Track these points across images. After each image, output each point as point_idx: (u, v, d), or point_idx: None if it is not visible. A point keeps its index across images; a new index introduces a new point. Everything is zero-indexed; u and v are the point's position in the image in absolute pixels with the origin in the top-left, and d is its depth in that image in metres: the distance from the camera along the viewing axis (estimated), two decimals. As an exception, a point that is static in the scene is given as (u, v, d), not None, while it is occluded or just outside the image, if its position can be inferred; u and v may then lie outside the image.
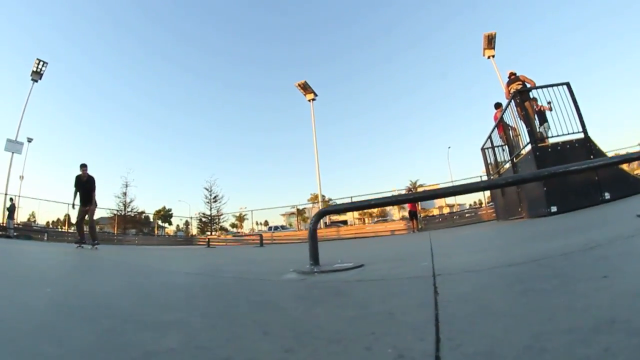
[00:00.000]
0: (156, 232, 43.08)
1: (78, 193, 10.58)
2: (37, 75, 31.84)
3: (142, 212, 45.53)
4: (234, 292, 2.62)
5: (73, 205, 10.70)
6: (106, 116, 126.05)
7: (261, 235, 17.76)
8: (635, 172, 10.21)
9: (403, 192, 32.33)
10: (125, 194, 41.67)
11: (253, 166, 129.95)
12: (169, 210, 68.06)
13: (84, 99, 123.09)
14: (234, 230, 57.88)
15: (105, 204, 43.70)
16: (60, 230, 34.48)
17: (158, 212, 64.85)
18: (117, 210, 40.04)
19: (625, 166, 10.22)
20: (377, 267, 3.22)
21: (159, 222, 62.91)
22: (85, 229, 11.22)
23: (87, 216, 10.85)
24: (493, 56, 31.34)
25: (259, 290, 2.58)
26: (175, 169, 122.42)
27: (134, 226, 43.82)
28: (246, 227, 53.89)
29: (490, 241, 5.31)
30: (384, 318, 1.44)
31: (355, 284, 2.41)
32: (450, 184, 27.40)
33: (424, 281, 2.10)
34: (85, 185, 10.67)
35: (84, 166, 10.65)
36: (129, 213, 41.78)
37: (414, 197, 4.25)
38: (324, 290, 2.33)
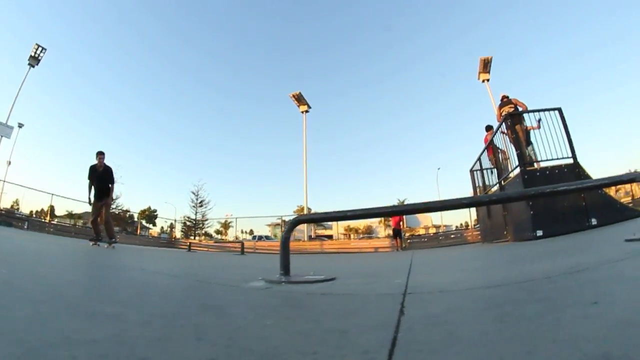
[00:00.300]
0: (138, 231, 42.18)
1: (92, 186, 9.42)
2: (34, 60, 31.43)
3: (127, 211, 44.86)
4: (192, 294, 2.58)
5: (89, 200, 9.47)
6: (99, 110, 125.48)
7: (242, 243, 17.57)
8: (622, 200, 10.20)
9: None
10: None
11: (242, 174, 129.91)
12: (154, 211, 67.33)
13: (79, 91, 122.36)
14: (218, 236, 57.35)
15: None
16: (42, 220, 33.56)
17: (143, 211, 64.09)
18: None
19: (612, 193, 10.21)
20: (349, 281, 3.16)
21: (143, 222, 62.14)
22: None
23: (103, 211, 9.60)
24: (488, 80, 31.79)
25: (218, 295, 2.55)
26: (163, 170, 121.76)
27: (118, 224, 43.15)
28: (231, 234, 53.29)
29: (472, 262, 5.21)
30: (335, 337, 1.29)
31: (319, 297, 2.29)
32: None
33: (392, 299, 1.96)
34: (102, 177, 9.45)
35: (100, 154, 9.38)
36: (113, 210, 41.07)
37: (391, 211, 4.06)
38: (284, 301, 2.24)
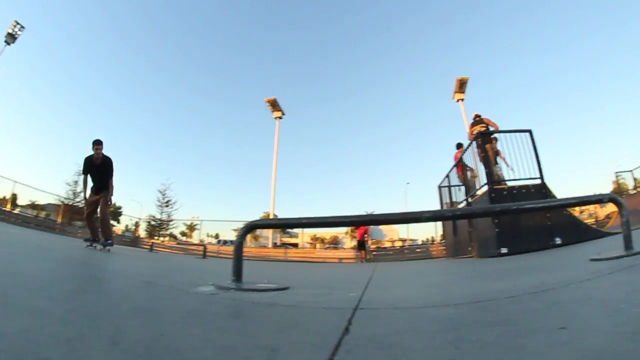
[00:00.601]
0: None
1: (89, 181, 8.17)
2: (11, 38, 30.35)
3: None
4: (131, 295, 2.48)
5: (85, 197, 8.28)
6: (68, 99, 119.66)
7: (205, 247, 17.19)
8: (586, 221, 10.42)
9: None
10: (76, 182, 39.30)
11: (211, 177, 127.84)
12: (119, 207, 65.47)
13: (51, 77, 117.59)
14: (183, 238, 56.19)
15: (55, 190, 40.98)
16: (3, 209, 31.95)
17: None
18: (66, 199, 37.91)
19: (576, 214, 10.38)
20: (301, 292, 3.03)
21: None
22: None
23: (98, 207, 8.15)
24: (462, 99, 32.43)
25: (157, 298, 2.45)
26: (131, 166, 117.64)
27: (81, 218, 41.73)
28: (196, 237, 52.33)
29: (433, 277, 5.10)
30: (262, 355, 1.16)
31: (263, 308, 2.15)
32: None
33: (340, 314, 1.83)
34: (100, 170, 8.10)
35: (97, 143, 8.01)
36: (77, 203, 39.65)
37: (349, 220, 3.94)
38: (224, 309, 2.12)
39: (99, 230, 8.20)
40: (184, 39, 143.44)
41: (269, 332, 1.52)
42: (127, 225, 60.34)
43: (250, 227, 3.54)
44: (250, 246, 35.04)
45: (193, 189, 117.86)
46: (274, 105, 38.17)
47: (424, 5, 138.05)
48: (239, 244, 3.30)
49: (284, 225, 4.02)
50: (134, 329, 1.42)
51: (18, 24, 29.92)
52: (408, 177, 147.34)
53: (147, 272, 4.59)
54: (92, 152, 7.98)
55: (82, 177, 8.25)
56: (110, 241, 8.10)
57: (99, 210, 8.07)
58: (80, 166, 9.36)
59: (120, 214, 62.91)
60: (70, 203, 38.13)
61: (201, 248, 19.20)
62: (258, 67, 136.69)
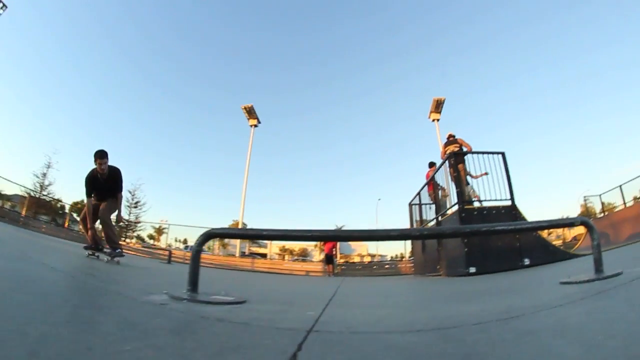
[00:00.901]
0: (66, 224, 39.08)
1: (93, 200, 6.86)
2: None
3: (59, 200, 42.00)
4: (71, 298, 2.41)
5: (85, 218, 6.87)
6: (44, 89, 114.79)
7: (170, 252, 16.75)
8: (553, 243, 10.67)
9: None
10: (45, 175, 38.09)
11: (183, 181, 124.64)
12: None
13: (22, 62, 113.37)
14: (151, 242, 54.81)
15: (21, 181, 39.31)
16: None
17: (75, 204, 60.29)
18: (32, 191, 36.30)
19: (545, 235, 10.59)
20: (257, 307, 2.91)
21: (74, 215, 58.47)
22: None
23: (101, 209, 6.78)
24: (438, 119, 32.90)
25: (100, 304, 2.37)
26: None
27: (48, 213, 40.26)
28: (164, 241, 51.14)
29: (399, 296, 5.00)
30: None
31: (211, 324, 1.99)
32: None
33: (292, 337, 1.69)
34: (105, 186, 6.81)
35: (101, 156, 6.55)
36: (44, 197, 38.28)
37: (310, 235, 3.80)
38: (169, 322, 1.97)
39: (103, 237, 7.06)
40: (161, 38, 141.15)
41: (206, 355, 1.38)
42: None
43: (209, 236, 3.38)
44: (218, 254, 34.57)
45: (163, 191, 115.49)
46: (251, 112, 37.86)
47: (402, 25, 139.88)
48: (196, 252, 3.16)
49: (243, 235, 3.88)
50: (61, 339, 1.35)
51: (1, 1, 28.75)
52: (380, 193, 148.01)
53: (100, 274, 4.38)
54: (93, 167, 6.68)
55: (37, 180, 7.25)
56: (119, 250, 6.77)
57: (100, 214, 6.72)
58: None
59: None
60: (37, 196, 36.85)
61: (167, 253, 18.72)
62: (236, 73, 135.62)
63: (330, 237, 3.17)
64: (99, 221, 6.85)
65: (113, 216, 7.16)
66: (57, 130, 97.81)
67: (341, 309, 3.16)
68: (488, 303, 2.89)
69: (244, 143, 37.88)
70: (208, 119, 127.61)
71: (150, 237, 55.91)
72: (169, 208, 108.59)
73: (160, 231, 52.34)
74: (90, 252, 6.71)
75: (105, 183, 6.74)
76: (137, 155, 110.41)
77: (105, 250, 6.85)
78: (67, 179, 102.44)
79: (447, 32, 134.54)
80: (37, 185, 37.65)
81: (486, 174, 8.46)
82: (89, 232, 6.78)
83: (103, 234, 6.96)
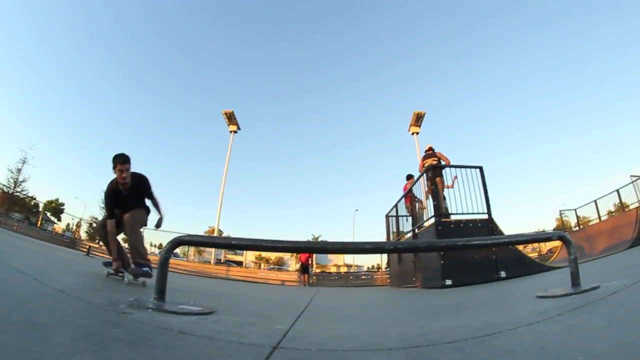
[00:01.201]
0: (39, 224, 37.45)
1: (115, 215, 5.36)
2: None
3: (33, 198, 40.86)
4: (30, 303, 2.27)
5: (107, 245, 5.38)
6: (20, 85, 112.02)
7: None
8: (529, 255, 10.82)
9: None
10: (19, 170, 37.08)
11: (161, 186, 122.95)
12: (62, 204, 61.82)
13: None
14: (126, 245, 53.65)
15: None
16: None
17: (50, 202, 58.69)
18: (5, 186, 35.53)
19: (521, 248, 10.73)
20: (225, 318, 2.75)
21: (48, 214, 56.80)
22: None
23: (128, 218, 5.29)
24: (417, 133, 33.16)
25: (59, 310, 2.20)
26: (79, 162, 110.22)
27: (21, 210, 39.06)
28: None
29: (373, 309, 4.93)
30: None
31: (172, 337, 1.89)
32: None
33: (256, 354, 1.63)
34: (130, 198, 5.34)
35: (122, 161, 5.07)
36: (18, 193, 37.21)
37: (282, 246, 3.69)
38: (128, 334, 1.86)
39: (127, 252, 5.64)
40: (139, 39, 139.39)
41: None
42: (68, 225, 57.11)
43: (177, 243, 3.24)
44: (193, 261, 34.03)
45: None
46: (231, 118, 37.39)
47: (385, 38, 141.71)
48: (163, 259, 3.04)
49: (211, 244, 3.79)
50: (8, 350, 1.30)
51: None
52: (358, 204, 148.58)
53: (66, 278, 4.17)
54: (112, 178, 5.29)
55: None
56: (146, 268, 5.18)
57: (126, 220, 5.25)
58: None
59: (62, 211, 59.67)
60: (10, 192, 35.91)
61: None
62: (214, 78, 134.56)
63: (301, 249, 3.09)
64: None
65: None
66: (34, 127, 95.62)
67: (312, 322, 3.09)
68: (464, 318, 2.82)
69: (223, 149, 37.30)
70: (187, 124, 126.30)
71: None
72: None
73: None
74: (113, 272, 5.30)
75: (129, 196, 5.27)
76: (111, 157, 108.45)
77: (128, 268, 5.28)
78: (43, 174, 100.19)
79: (428, 48, 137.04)
80: (11, 180, 36.89)
81: (455, 177, 8.61)
82: (113, 247, 5.24)
83: (128, 246, 5.54)
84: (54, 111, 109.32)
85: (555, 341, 1.67)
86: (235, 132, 38.15)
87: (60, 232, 47.34)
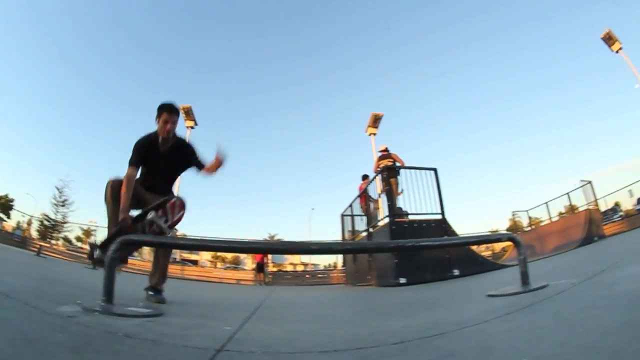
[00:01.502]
0: None
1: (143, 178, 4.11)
2: None
3: None
4: None
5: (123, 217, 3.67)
6: None
7: None
8: (483, 253, 11.17)
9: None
10: None
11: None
12: (11, 200, 58.35)
13: None
14: (79, 244, 51.05)
15: None
16: None
17: None
18: None
19: (474, 247, 11.06)
20: (173, 320, 2.67)
21: None
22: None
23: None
24: (374, 134, 33.43)
25: None
26: (31, 156, 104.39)
27: None
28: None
29: (325, 309, 4.90)
30: None
31: (117, 340, 1.79)
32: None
33: (198, 357, 1.58)
34: (169, 161, 4.12)
35: (171, 111, 3.98)
36: None
37: (229, 246, 3.52)
38: (69, 339, 1.74)
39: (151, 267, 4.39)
40: (92, 31, 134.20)
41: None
42: (18, 222, 54.02)
43: (124, 243, 3.12)
44: (148, 260, 33.05)
45: (94, 191, 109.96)
46: (188, 113, 36.14)
47: (343, 39, 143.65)
48: (111, 260, 2.88)
49: (158, 244, 3.64)
50: None
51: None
52: (314, 203, 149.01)
53: (12, 280, 3.92)
54: (151, 132, 4.07)
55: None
56: (162, 295, 4.05)
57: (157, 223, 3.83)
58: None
59: (11, 207, 56.40)
60: None
61: None
62: (165, 73, 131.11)
63: (248, 249, 3.02)
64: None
65: None
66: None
67: (262, 323, 3.02)
68: (413, 318, 2.83)
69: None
70: (145, 122, 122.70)
71: (78, 239, 52.43)
72: (100, 210, 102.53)
73: (88, 233, 48.99)
74: (151, 294, 4.03)
75: (166, 158, 4.07)
76: (66, 152, 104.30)
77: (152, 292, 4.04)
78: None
79: (388, 50, 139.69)
80: None
81: (401, 192, 9.05)
82: (125, 199, 3.72)
83: (155, 264, 4.28)
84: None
85: (500, 341, 1.66)
86: (192, 127, 36.98)
87: (9, 230, 44.91)
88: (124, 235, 3.08)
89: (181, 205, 3.90)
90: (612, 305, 1.79)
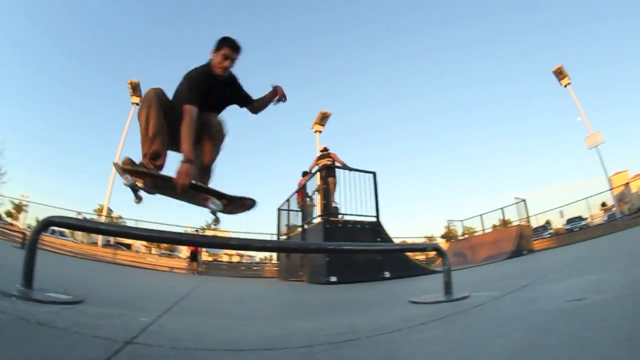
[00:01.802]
0: None
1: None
2: None
3: None
4: None
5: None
6: None
7: (25, 234, 14.39)
8: (415, 257, 11.53)
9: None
10: None
11: (53, 156, 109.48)
12: None
13: None
14: (9, 219, 46.65)
15: None
16: None
17: None
18: None
19: None
20: (92, 308, 2.50)
21: None
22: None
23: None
24: (320, 132, 33.44)
25: None
26: None
27: None
28: (23, 221, 43.08)
29: (249, 304, 4.85)
30: None
31: (27, 328, 1.68)
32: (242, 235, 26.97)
33: (105, 349, 1.47)
34: (221, 93, 3.73)
35: (233, 47, 3.52)
36: None
37: (148, 235, 3.41)
38: None
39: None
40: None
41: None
42: None
43: (47, 224, 2.96)
44: (81, 241, 31.55)
45: (30, 163, 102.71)
46: (135, 89, 33.05)
47: (302, 35, 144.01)
48: (32, 241, 2.73)
49: (84, 228, 3.51)
50: None
51: None
52: (254, 195, 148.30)
53: None
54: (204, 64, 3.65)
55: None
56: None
57: (206, 149, 3.63)
58: None
59: None
60: None
61: (21, 236, 15.93)
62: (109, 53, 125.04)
63: (171, 240, 2.94)
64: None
65: None
66: None
67: (180, 316, 2.92)
68: (331, 319, 2.83)
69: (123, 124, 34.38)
70: (86, 105, 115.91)
71: (8, 214, 48.45)
72: (36, 184, 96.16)
73: (19, 208, 45.35)
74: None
75: (221, 90, 3.74)
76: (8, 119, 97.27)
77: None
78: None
79: (341, 51, 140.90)
80: None
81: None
82: (158, 147, 3.36)
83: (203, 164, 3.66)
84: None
85: (405, 354, 1.69)
86: (137, 104, 34.34)
87: None
88: (51, 216, 2.94)
89: (249, 207, 3.64)
90: (523, 325, 1.80)
